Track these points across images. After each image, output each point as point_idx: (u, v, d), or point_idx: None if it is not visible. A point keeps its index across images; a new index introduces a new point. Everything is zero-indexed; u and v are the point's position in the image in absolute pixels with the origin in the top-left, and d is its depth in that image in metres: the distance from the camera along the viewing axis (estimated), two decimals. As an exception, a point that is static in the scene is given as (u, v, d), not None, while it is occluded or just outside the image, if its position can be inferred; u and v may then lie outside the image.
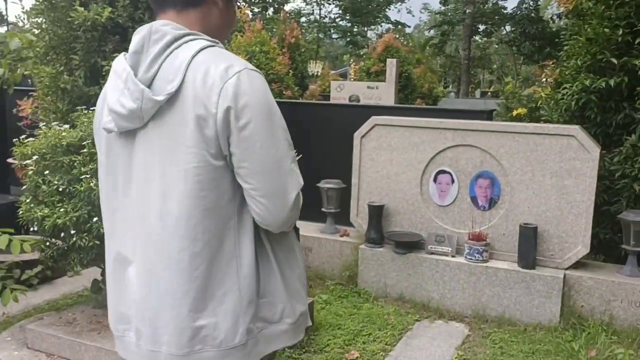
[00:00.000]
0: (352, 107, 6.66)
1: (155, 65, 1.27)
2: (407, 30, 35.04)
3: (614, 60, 4.10)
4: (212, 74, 1.23)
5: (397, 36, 35.49)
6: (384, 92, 13.37)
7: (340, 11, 29.86)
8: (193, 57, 1.25)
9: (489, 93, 26.80)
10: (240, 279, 1.31)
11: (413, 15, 39.54)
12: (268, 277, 1.36)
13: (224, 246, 1.30)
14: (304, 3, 30.91)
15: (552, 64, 5.03)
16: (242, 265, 1.31)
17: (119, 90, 1.29)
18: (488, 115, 5.21)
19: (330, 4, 29.66)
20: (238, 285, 1.31)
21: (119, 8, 4.92)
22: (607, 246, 4.39)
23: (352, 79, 16.40)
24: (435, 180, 4.23)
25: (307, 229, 4.72)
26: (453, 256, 4.09)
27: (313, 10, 30.60)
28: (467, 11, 22.14)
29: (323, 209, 4.71)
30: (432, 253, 4.15)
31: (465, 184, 4.14)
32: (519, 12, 19.44)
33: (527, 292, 3.82)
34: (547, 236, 3.90)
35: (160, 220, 1.29)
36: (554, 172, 3.85)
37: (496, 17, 23.95)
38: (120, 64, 1.32)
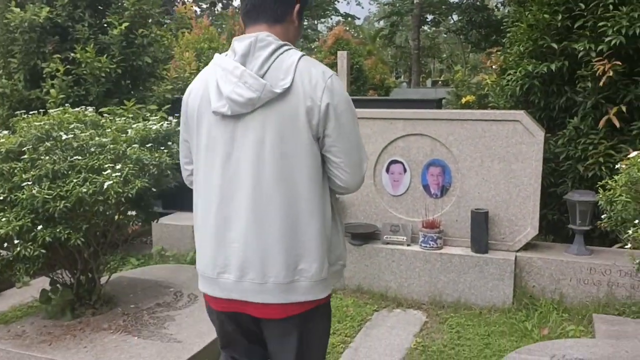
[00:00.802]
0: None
1: (266, 66, 1.67)
2: (358, 22, 35.19)
3: (555, 45, 4.21)
4: (314, 76, 1.67)
5: (348, 28, 35.59)
6: (337, 85, 13.34)
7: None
8: (298, 61, 1.68)
9: (440, 82, 27.22)
10: (325, 230, 1.75)
11: (362, 7, 39.75)
12: (334, 231, 1.81)
13: (318, 206, 1.72)
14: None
15: (497, 51, 5.12)
16: (326, 220, 1.76)
17: (232, 83, 1.66)
18: (437, 103, 5.29)
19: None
20: (325, 235, 1.75)
21: (58, 7, 4.77)
22: (555, 227, 4.53)
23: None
24: (387, 170, 4.26)
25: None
26: (408, 245, 4.14)
27: (262, 4, 30.19)
28: (415, 1, 22.31)
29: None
30: (388, 243, 4.19)
31: (417, 173, 4.18)
32: (464, 1, 19.72)
33: (481, 276, 3.90)
34: (498, 220, 3.98)
35: (275, 184, 1.67)
36: (502, 157, 3.93)
37: (443, 6, 24.25)
38: (229, 62, 1.70)
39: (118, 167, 2.95)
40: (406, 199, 4.24)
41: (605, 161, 4.01)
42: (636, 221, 2.08)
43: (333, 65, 14.43)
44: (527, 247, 3.99)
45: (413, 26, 22.91)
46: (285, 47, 1.71)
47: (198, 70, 9.32)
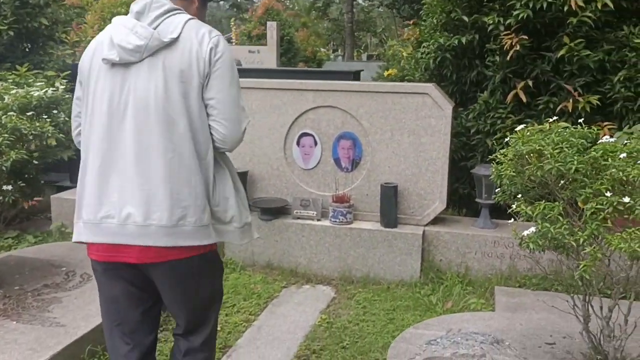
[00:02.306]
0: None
1: (157, 22, 1.79)
2: (293, -7, 34.60)
3: (465, 18, 4.18)
4: (201, 33, 1.80)
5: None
6: (266, 57, 13.08)
7: (222, -27, 28.85)
8: (187, 21, 1.82)
9: (376, 56, 27.28)
10: (207, 181, 1.82)
11: (299, -22, 39.01)
12: (224, 188, 1.88)
13: (202, 155, 1.80)
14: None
15: (413, 23, 5.07)
16: (210, 171, 1.83)
17: (124, 33, 1.76)
18: (355, 76, 5.18)
19: (210, -35, 28.47)
20: (207, 185, 1.82)
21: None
22: (467, 200, 4.56)
23: (234, 43, 15.95)
24: (298, 143, 4.14)
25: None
26: (318, 220, 4.06)
27: (193, -29, 29.22)
28: (349, -26, 22.16)
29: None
30: (298, 218, 4.09)
31: (328, 146, 4.09)
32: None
33: (390, 251, 3.88)
34: (407, 194, 3.96)
35: (159, 130, 1.74)
36: (412, 130, 3.89)
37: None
38: (125, 18, 1.82)
39: (-10, 137, 2.68)
40: (317, 172, 4.15)
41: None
42: (519, 195, 2.05)
43: (263, 36, 14.15)
44: (436, 221, 3.99)
45: (346, -1, 22.78)
46: (178, 11, 1.85)
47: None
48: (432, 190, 3.91)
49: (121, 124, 1.76)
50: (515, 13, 3.90)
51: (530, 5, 3.84)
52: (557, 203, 1.95)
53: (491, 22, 4.03)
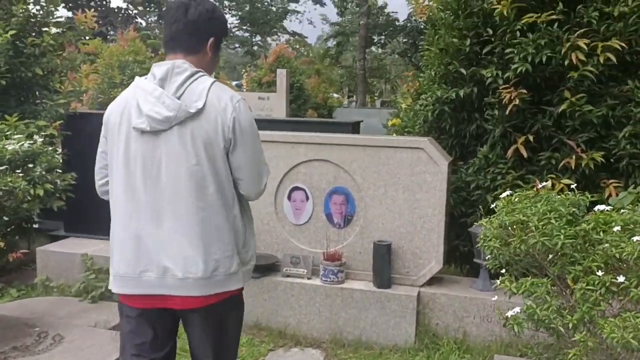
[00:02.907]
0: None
1: (182, 90, 1.91)
2: (310, 41, 35.21)
3: (463, 71, 4.06)
4: (224, 99, 1.94)
5: (298, 46, 35.62)
6: (276, 103, 13.13)
7: (238, 21, 29.48)
8: (210, 87, 1.93)
9: (388, 103, 27.38)
10: (236, 232, 2.02)
11: (314, 26, 39.84)
12: (248, 233, 2.11)
13: (230, 211, 1.99)
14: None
15: (412, 74, 4.97)
16: (237, 223, 2.02)
17: (151, 102, 1.90)
18: (354, 127, 5.07)
19: (226, 13, 29.18)
20: (236, 235, 2.02)
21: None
22: (468, 258, 4.35)
23: (245, 90, 16.07)
24: (289, 197, 3.99)
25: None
26: (309, 278, 3.87)
27: (209, 19, 29.85)
28: (361, 22, 22.43)
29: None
30: (288, 275, 3.91)
31: (320, 201, 3.93)
32: (409, 24, 19.95)
33: (383, 313, 3.66)
34: (402, 253, 3.77)
35: (190, 193, 1.91)
36: (406, 186, 3.72)
37: (390, 28, 24.52)
38: (148, 85, 1.94)
39: (-45, 193, 2.57)
40: (309, 228, 3.98)
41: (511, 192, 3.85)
42: (506, 267, 1.87)
43: (273, 83, 14.22)
44: (432, 281, 3.78)
45: (359, 46, 23.01)
46: (199, 74, 1.97)
47: (122, 83, 8.89)
48: (428, 249, 3.72)
49: (155, 186, 1.93)
50: (513, 67, 3.78)
51: (529, 59, 3.71)
52: (545, 279, 1.76)
53: (489, 75, 3.91)
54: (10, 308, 3.80)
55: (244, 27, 29.62)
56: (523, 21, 3.80)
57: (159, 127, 1.90)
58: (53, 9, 4.84)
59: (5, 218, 2.84)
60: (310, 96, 16.05)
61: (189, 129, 1.90)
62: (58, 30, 4.75)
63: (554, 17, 3.71)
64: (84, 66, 5.18)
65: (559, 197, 2.00)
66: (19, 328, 3.36)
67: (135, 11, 29.55)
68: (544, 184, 2.57)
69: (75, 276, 4.33)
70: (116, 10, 28.68)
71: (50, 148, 3.41)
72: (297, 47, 37.18)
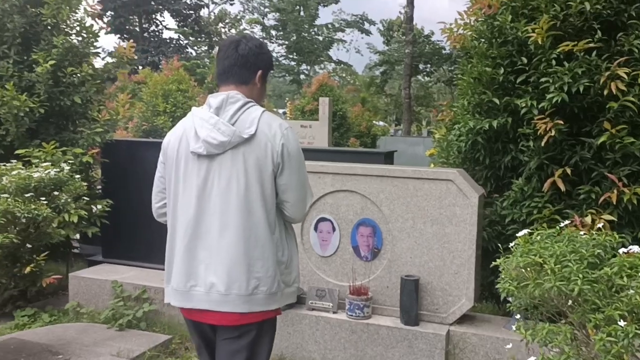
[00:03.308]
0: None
1: (235, 117, 2.11)
2: (358, 69, 35.46)
3: (496, 101, 3.93)
4: (274, 127, 2.14)
5: (344, 75, 35.82)
6: (318, 131, 13.18)
7: (285, 50, 29.99)
8: (260, 116, 2.14)
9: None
10: (278, 253, 2.16)
11: (362, 55, 40.14)
12: (293, 255, 2.25)
13: (273, 233, 2.15)
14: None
15: (447, 104, 4.86)
16: (280, 245, 2.17)
17: (207, 129, 2.10)
18: (387, 157, 4.98)
19: (273, 42, 29.78)
20: (277, 257, 2.16)
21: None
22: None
23: (288, 118, 16.22)
24: (316, 228, 3.92)
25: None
26: (334, 312, 3.77)
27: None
28: (407, 51, 22.43)
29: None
30: (313, 309, 3.81)
31: (347, 233, 3.85)
32: (454, 52, 19.81)
33: (409, 352, 3.51)
34: (431, 288, 3.62)
35: (239, 212, 2.08)
36: (435, 219, 3.60)
37: (435, 57, 24.43)
38: (205, 113, 2.14)
39: (-21, 220, 2.62)
40: (335, 260, 3.89)
41: (549, 227, 3.65)
42: (517, 316, 1.73)
43: (316, 112, 14.29)
44: (463, 319, 3.62)
45: (404, 75, 22.97)
46: (251, 104, 2.17)
47: (165, 111, 9.11)
48: (458, 285, 3.57)
49: (207, 206, 2.11)
50: (549, 96, 3.63)
51: (565, 89, 3.57)
52: (564, 326, 1.62)
53: (524, 105, 3.77)
54: (40, 334, 3.84)
55: (291, 56, 30.07)
56: (559, 49, 3.66)
57: (214, 151, 2.09)
58: (93, 39, 5.00)
59: (29, 245, 2.86)
60: (353, 124, 16.05)
61: (241, 153, 2.09)
62: (96, 60, 4.89)
63: (591, 45, 3.57)
64: (120, 95, 5.28)
65: (585, 236, 1.86)
66: (42, 355, 3.39)
67: (186, 41, 30.56)
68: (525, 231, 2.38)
69: (105, 303, 4.36)
70: (168, 40, 29.72)
71: (78, 176, 3.45)
72: (344, 75, 37.49)
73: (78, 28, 5.00)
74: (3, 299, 3.76)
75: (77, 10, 4.99)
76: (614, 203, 3.47)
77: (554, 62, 3.67)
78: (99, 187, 5.29)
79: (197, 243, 2.12)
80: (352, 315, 3.67)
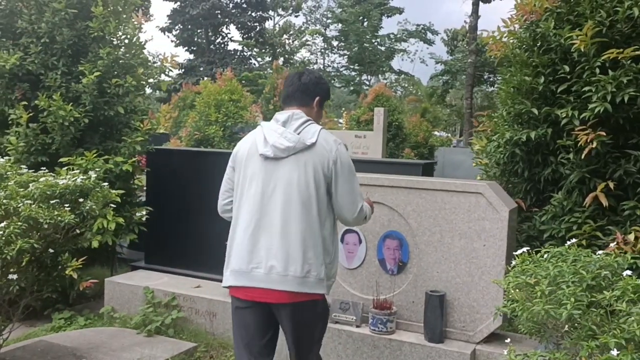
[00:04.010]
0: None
1: (299, 130, 2.54)
2: (423, 80, 35.01)
3: (535, 111, 3.73)
4: (330, 141, 2.57)
5: (406, 85, 35.43)
6: (372, 142, 13.04)
7: (345, 61, 30.04)
8: (319, 130, 2.57)
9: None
10: (326, 245, 2.57)
11: (427, 65, 39.65)
12: (335, 252, 2.64)
13: (324, 228, 2.55)
14: (309, 53, 31.20)
15: (487, 114, 4.67)
16: (326, 239, 2.57)
17: (276, 136, 2.52)
18: (425, 168, 4.82)
19: (334, 53, 29.88)
20: (326, 248, 2.56)
21: (32, 55, 4.75)
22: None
23: (343, 128, 16.18)
24: (342, 240, 3.84)
25: (213, 291, 4.35)
26: (358, 326, 3.66)
27: (317, 60, 30.84)
28: (469, 61, 21.93)
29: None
30: (337, 322, 3.72)
31: (373, 245, 3.74)
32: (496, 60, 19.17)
33: (433, 371, 3.36)
34: (457, 305, 3.46)
35: (298, 207, 2.48)
36: (463, 233, 3.44)
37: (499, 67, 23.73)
38: (274, 125, 2.58)
39: (2, 224, 2.71)
40: (361, 273, 3.79)
41: (588, 244, 3.42)
42: (526, 333, 1.60)
43: (371, 122, 14.17)
44: (491, 338, 3.43)
45: (466, 85, 22.45)
46: (311, 121, 2.61)
47: (217, 121, 9.27)
48: (486, 302, 3.39)
49: (270, 200, 2.50)
50: (591, 106, 3.42)
51: (609, 99, 3.34)
52: (558, 353, 1.48)
53: (565, 115, 3.56)
54: (71, 337, 3.94)
55: (352, 67, 30.09)
56: (604, 57, 3.45)
57: (280, 154, 2.50)
58: (139, 51, 5.14)
59: (51, 250, 2.94)
60: (410, 135, 15.81)
61: (302, 159, 2.50)
62: (143, 71, 5.02)
63: (639, 52, 3.33)
64: (163, 106, 5.40)
65: (596, 256, 1.70)
66: (66, 359, 3.46)
67: (249, 53, 31.18)
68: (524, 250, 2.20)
69: (137, 308, 4.44)
70: (232, 52, 30.42)
71: (105, 184, 3.53)
72: (405, 85, 37.14)
73: (127, 41, 5.15)
74: (43, 302, 3.88)
75: (126, 24, 5.15)
76: (661, 221, 3.21)
77: (597, 70, 3.46)
78: (140, 194, 5.42)
79: (260, 230, 2.49)
80: (375, 330, 3.55)
